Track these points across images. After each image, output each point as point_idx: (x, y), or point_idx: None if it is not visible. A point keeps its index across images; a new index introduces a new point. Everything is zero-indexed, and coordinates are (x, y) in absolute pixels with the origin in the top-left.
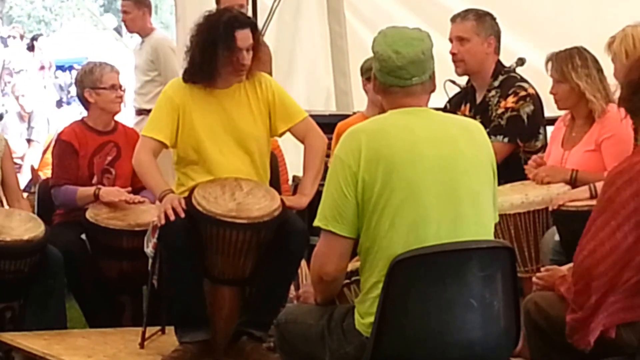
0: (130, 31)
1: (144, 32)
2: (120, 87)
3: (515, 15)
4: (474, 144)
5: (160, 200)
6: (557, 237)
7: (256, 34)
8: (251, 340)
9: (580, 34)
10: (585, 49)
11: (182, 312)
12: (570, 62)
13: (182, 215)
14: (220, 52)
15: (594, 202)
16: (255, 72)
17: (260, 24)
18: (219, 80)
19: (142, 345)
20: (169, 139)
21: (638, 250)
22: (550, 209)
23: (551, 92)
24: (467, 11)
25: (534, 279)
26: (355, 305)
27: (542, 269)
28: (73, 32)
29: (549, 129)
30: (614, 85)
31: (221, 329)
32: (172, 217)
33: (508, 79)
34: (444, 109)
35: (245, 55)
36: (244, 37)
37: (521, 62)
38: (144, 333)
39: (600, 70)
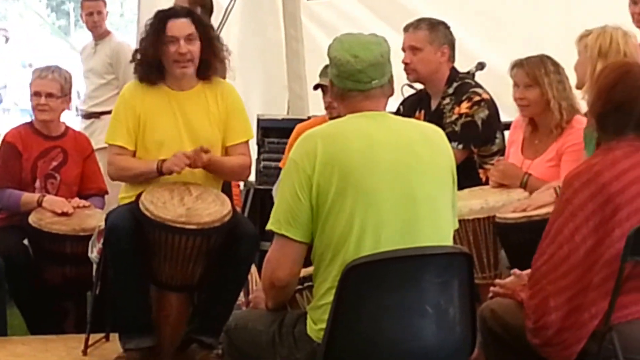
0: (97, 33)
1: (103, 34)
2: (50, 94)
3: (480, 19)
4: (433, 149)
5: (161, 170)
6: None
7: (202, 26)
8: (201, 347)
9: (547, 39)
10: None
11: (127, 318)
12: (543, 67)
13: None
14: (158, 45)
15: (534, 212)
16: (219, 79)
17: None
18: (171, 77)
19: (85, 353)
20: (132, 143)
21: (601, 252)
22: (516, 215)
23: (517, 98)
24: (420, 20)
25: (491, 288)
26: (308, 311)
27: (505, 275)
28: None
29: (507, 133)
30: (578, 94)
31: (168, 336)
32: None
33: (462, 85)
34: (397, 112)
35: (183, 45)
36: (177, 25)
37: (481, 66)
38: (87, 340)
39: (567, 79)
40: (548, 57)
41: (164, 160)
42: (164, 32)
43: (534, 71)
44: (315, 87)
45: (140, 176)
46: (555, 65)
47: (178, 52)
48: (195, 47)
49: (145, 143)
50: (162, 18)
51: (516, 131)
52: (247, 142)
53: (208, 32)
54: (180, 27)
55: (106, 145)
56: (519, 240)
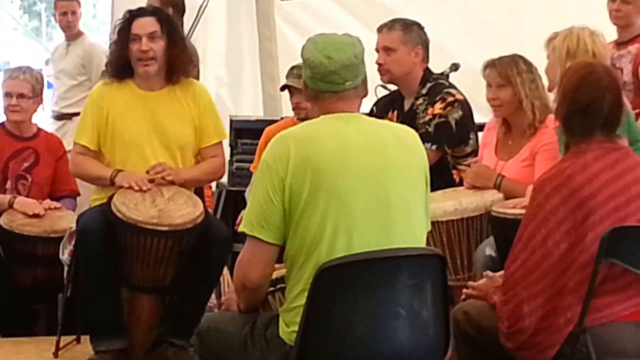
0: (70, 33)
1: (76, 35)
2: (21, 95)
3: (457, 19)
4: (406, 151)
5: (113, 182)
6: (488, 252)
7: (169, 25)
8: (172, 349)
9: (524, 39)
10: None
11: (98, 321)
12: (515, 67)
13: (145, 188)
14: (125, 43)
15: None
16: (191, 80)
17: (187, 26)
18: (139, 78)
19: (56, 355)
20: (95, 144)
21: (574, 256)
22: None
23: (490, 98)
24: (393, 21)
25: (464, 290)
26: (280, 314)
27: (479, 276)
28: None
29: (481, 134)
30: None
31: (139, 339)
32: (137, 189)
33: (436, 86)
34: (370, 112)
35: (145, 43)
36: (141, 24)
37: (455, 67)
38: (58, 342)
39: (541, 78)
40: (520, 57)
41: (120, 170)
42: (130, 31)
43: (506, 71)
44: (282, 88)
45: (95, 179)
46: (528, 64)
47: (140, 50)
48: (158, 46)
49: (114, 144)
50: (128, 18)
51: (489, 133)
52: (220, 142)
53: (175, 32)
54: (144, 25)
55: None
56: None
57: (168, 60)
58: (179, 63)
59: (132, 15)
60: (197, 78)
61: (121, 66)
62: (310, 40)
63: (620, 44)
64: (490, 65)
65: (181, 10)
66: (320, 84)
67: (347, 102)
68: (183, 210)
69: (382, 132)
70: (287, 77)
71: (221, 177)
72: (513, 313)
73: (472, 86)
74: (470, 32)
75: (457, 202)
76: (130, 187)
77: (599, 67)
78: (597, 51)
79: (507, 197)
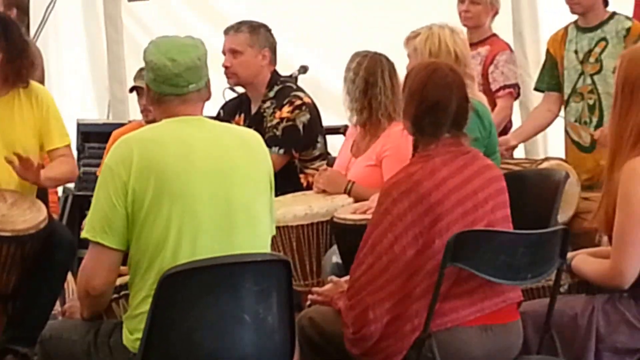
0: None
1: None
2: None
3: (302, 24)
4: (250, 155)
5: None
6: (335, 258)
7: (5, 38)
8: (16, 358)
9: (371, 42)
10: None
11: None
12: (380, 67)
13: None
14: None
15: None
16: (34, 84)
17: (33, 28)
18: None
19: None
20: None
21: (421, 263)
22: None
23: None
24: (240, 23)
25: (309, 295)
26: (124, 320)
27: (327, 282)
28: None
29: (328, 137)
30: None
31: None
32: None
33: (283, 89)
34: (217, 116)
35: None
36: None
37: (304, 69)
38: None
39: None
40: (389, 61)
41: None
42: None
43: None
44: (131, 90)
45: None
46: (393, 72)
47: None
48: None
49: None
50: None
51: (354, 129)
52: (67, 146)
53: (14, 43)
54: None
55: None
56: (356, 242)
57: (7, 70)
58: (18, 71)
59: None
60: (42, 81)
61: None
62: (152, 42)
63: (470, 44)
64: (363, 55)
65: (25, 10)
66: (164, 87)
67: (190, 105)
68: (26, 215)
69: (226, 135)
70: (136, 79)
71: (74, 177)
72: (358, 319)
73: (314, 89)
74: (313, 37)
75: (307, 206)
76: None
77: (442, 65)
78: (459, 52)
79: (358, 202)
